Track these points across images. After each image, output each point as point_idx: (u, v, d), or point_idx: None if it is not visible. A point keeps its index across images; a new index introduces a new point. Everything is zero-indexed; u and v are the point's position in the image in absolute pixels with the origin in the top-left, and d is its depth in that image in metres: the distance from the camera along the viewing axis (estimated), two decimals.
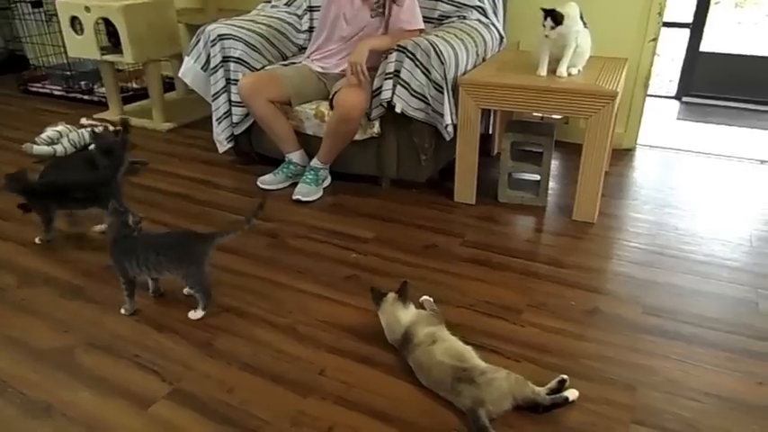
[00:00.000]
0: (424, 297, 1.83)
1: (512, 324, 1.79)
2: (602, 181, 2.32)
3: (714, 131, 3.63)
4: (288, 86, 2.64)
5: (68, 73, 4.18)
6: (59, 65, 4.27)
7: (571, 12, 2.27)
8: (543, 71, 2.35)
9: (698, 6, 3.94)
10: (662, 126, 3.65)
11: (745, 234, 2.31)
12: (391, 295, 1.68)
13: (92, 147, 2.99)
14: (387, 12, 2.55)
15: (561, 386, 1.48)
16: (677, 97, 4.23)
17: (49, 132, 3.12)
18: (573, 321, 1.81)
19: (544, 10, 2.25)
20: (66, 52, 3.72)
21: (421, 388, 1.54)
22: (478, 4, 2.79)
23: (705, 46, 4.08)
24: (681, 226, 2.37)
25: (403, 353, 1.61)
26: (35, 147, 3.05)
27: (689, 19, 4.01)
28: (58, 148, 3.06)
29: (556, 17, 2.23)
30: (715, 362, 1.63)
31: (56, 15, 3.58)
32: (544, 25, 2.26)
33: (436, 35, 2.43)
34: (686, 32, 4.06)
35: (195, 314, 1.84)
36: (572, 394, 1.48)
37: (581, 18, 2.33)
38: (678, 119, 3.88)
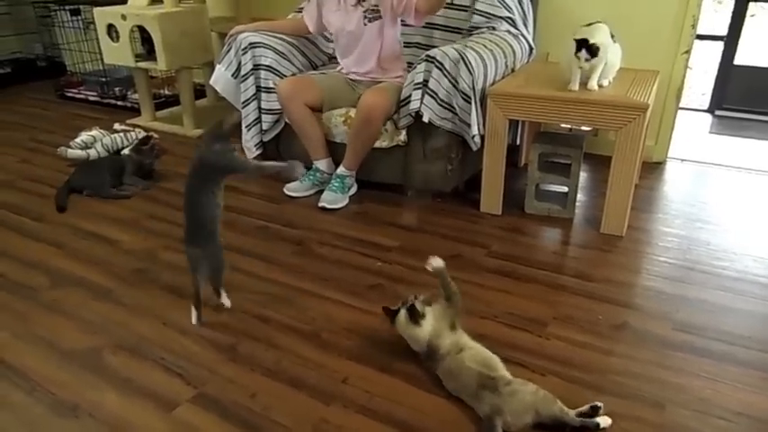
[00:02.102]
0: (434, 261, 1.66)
1: (537, 337, 1.77)
2: (632, 194, 2.29)
3: (748, 145, 3.56)
4: (323, 91, 2.67)
5: (103, 79, 4.28)
6: (95, 71, 4.37)
7: (603, 38, 2.21)
8: (575, 86, 2.30)
9: (733, 19, 3.87)
10: (694, 139, 3.58)
11: None
12: (402, 314, 1.65)
13: (124, 151, 3.06)
14: (384, 12, 2.54)
15: (594, 412, 1.42)
16: (710, 110, 4.16)
17: (84, 137, 3.19)
18: (600, 336, 1.78)
19: (577, 41, 2.20)
20: (102, 59, 3.81)
21: (443, 398, 1.53)
22: (508, 15, 2.79)
23: (739, 59, 4.01)
24: (713, 241, 2.32)
25: (428, 364, 1.60)
26: (69, 150, 3.12)
27: (723, 31, 3.94)
28: (92, 152, 3.12)
29: (591, 49, 2.17)
30: (746, 381, 1.59)
31: (93, 23, 3.66)
32: (578, 56, 2.20)
33: (465, 45, 2.43)
34: (720, 45, 3.99)
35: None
36: (604, 421, 1.41)
37: (610, 35, 2.30)
38: (711, 132, 3.81)
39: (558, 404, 1.41)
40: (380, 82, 2.65)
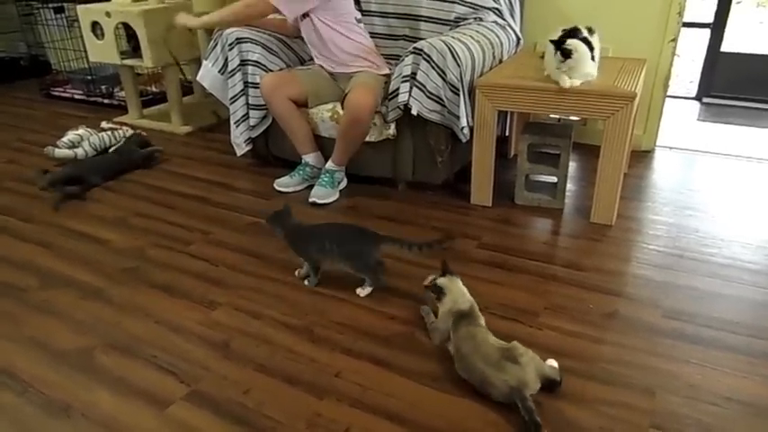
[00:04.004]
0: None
1: (528, 327, 1.78)
2: (621, 183, 2.30)
3: (735, 132, 3.58)
4: (306, 86, 2.66)
5: (89, 77, 4.24)
6: (81, 69, 4.34)
7: (580, 49, 2.19)
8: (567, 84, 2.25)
9: (719, 6, 3.88)
10: (682, 127, 3.60)
11: (766, 236, 2.27)
12: (443, 279, 1.70)
13: (111, 150, 3.04)
14: None
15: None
16: (697, 98, 4.18)
17: (70, 136, 3.16)
18: (591, 324, 1.79)
19: (553, 42, 2.19)
20: (87, 57, 3.78)
21: (437, 391, 1.53)
22: (495, 5, 2.78)
23: (726, 46, 4.02)
24: (701, 228, 2.34)
25: (458, 323, 1.60)
26: (56, 150, 3.09)
27: (709, 19, 3.96)
28: (79, 151, 3.10)
29: (565, 52, 2.17)
30: (736, 366, 1.61)
31: (77, 21, 3.63)
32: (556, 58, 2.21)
33: (452, 37, 2.42)
34: (707, 32, 4.01)
35: (363, 291, 1.95)
36: (554, 362, 1.55)
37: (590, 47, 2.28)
38: (698, 120, 3.83)
39: (546, 365, 1.51)
40: (355, 72, 2.65)
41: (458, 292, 1.68)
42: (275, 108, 2.65)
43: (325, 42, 2.63)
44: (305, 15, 2.59)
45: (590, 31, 2.29)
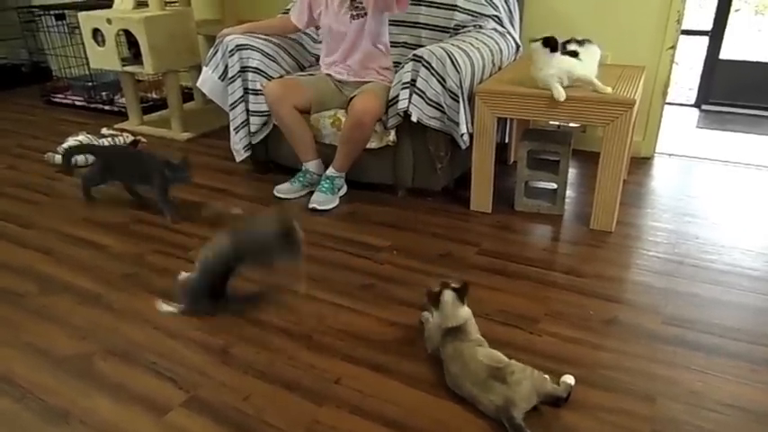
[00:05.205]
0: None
1: (528, 333, 1.78)
2: (621, 189, 2.30)
3: (734, 139, 3.59)
4: (310, 94, 2.66)
5: (90, 84, 4.25)
6: (81, 76, 4.34)
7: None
8: (562, 95, 2.22)
9: (717, 14, 3.90)
10: (681, 134, 3.61)
11: (766, 243, 2.27)
12: (448, 293, 1.62)
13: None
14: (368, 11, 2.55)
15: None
16: (696, 105, 4.19)
17: (71, 142, 3.17)
18: (591, 331, 1.78)
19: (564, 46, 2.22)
20: (88, 64, 3.79)
21: (436, 397, 1.53)
22: (494, 13, 2.80)
23: (725, 53, 4.04)
24: (701, 235, 2.34)
25: (446, 339, 1.58)
26: (57, 156, 3.09)
27: (708, 26, 3.97)
28: (80, 158, 3.10)
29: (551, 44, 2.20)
30: (737, 373, 1.60)
31: (78, 27, 3.64)
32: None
33: (452, 44, 2.43)
34: (705, 40, 4.03)
35: (164, 307, 1.90)
36: (570, 379, 1.52)
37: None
38: (697, 127, 3.84)
39: (548, 381, 1.48)
40: (365, 82, 2.66)
41: (450, 314, 1.60)
42: (282, 117, 2.65)
43: (354, 51, 2.63)
44: (361, 14, 2.56)
45: (582, 42, 2.30)
